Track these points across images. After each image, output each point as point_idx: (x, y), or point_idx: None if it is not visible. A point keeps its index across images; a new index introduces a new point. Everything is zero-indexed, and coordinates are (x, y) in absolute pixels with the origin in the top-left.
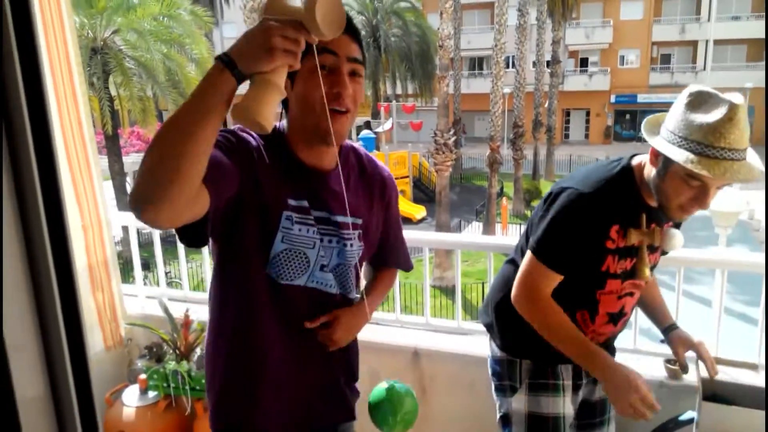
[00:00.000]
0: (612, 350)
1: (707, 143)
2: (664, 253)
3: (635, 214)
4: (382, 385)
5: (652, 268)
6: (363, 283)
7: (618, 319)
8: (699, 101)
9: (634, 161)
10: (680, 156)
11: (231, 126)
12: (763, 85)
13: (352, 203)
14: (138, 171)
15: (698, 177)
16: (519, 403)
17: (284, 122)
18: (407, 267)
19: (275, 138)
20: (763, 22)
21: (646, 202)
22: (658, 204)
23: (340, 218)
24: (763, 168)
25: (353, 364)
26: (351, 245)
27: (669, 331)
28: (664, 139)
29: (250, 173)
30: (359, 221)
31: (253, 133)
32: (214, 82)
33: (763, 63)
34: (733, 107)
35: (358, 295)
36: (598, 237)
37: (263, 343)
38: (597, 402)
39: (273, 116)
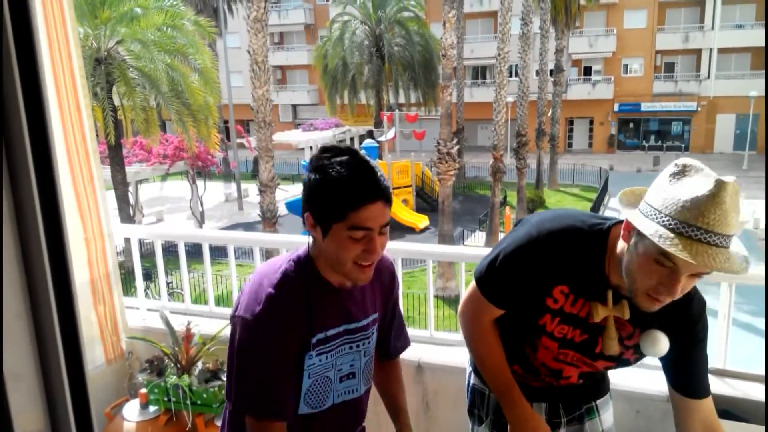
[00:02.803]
0: (590, 383)
1: (682, 220)
2: (641, 357)
3: (592, 285)
4: None
5: (615, 359)
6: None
7: (558, 377)
8: (684, 174)
9: (615, 229)
10: (650, 228)
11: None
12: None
13: (371, 303)
14: None
15: (670, 258)
16: None
17: (311, 245)
18: (408, 345)
19: (305, 266)
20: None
21: (607, 277)
22: (627, 290)
23: (363, 322)
24: (746, 263)
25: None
26: (372, 340)
27: None
28: (640, 211)
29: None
30: (376, 316)
31: (283, 304)
32: None
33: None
34: (720, 184)
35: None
36: (538, 290)
37: None
38: None
39: None
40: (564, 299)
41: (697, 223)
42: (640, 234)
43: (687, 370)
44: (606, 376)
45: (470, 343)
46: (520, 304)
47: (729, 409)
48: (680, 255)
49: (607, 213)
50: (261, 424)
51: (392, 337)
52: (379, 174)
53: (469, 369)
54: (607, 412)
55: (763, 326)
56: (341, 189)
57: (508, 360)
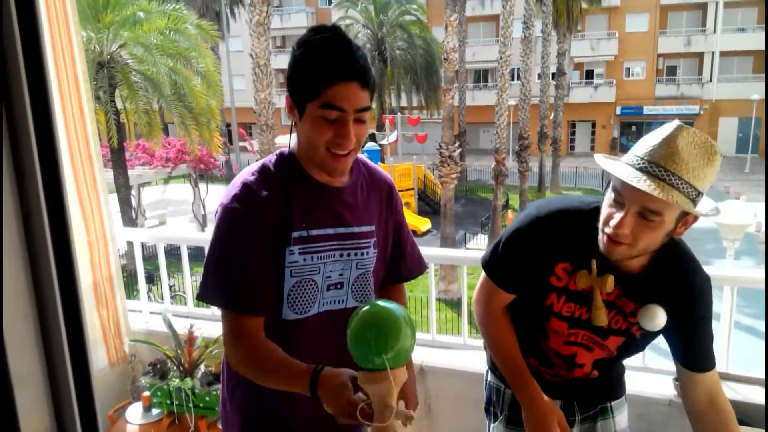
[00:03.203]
0: (604, 381)
1: (635, 153)
2: (648, 334)
3: (591, 258)
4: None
5: (630, 348)
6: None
7: (571, 366)
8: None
9: None
10: (611, 162)
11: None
12: None
13: (365, 212)
14: (236, 357)
15: (619, 190)
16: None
17: (294, 143)
18: (425, 268)
19: (287, 160)
20: None
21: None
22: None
23: (356, 229)
24: (704, 207)
25: None
26: (367, 253)
27: None
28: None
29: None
30: (372, 228)
31: (261, 190)
32: (295, 388)
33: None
34: (677, 127)
35: None
36: (541, 269)
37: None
38: None
39: None
40: (567, 277)
41: (641, 154)
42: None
43: (690, 345)
44: (622, 377)
45: (483, 329)
46: (526, 284)
47: None
48: (612, 171)
49: None
50: (230, 316)
51: (407, 258)
52: (358, 54)
53: (486, 367)
54: (622, 415)
55: (764, 329)
56: (316, 63)
57: (522, 353)
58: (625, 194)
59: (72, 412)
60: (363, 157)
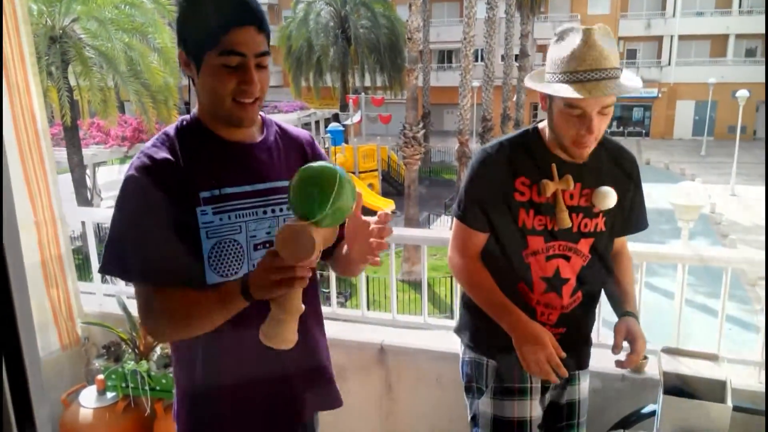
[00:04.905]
0: (579, 338)
1: (569, 70)
2: (609, 224)
3: (544, 167)
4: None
5: (593, 235)
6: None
7: (559, 285)
8: (563, 38)
9: (541, 124)
10: (550, 88)
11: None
12: (725, 80)
13: (286, 167)
14: (154, 321)
15: (575, 104)
16: (485, 406)
17: (196, 108)
18: None
19: (191, 123)
20: (725, 19)
21: (556, 155)
22: (558, 145)
23: (278, 183)
24: (637, 82)
25: (319, 359)
26: None
27: (621, 317)
28: (546, 81)
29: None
30: None
31: (160, 155)
32: (229, 304)
33: (726, 58)
34: (586, 32)
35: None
36: (504, 189)
37: (227, 351)
38: (565, 405)
39: (293, 333)
40: (528, 190)
41: (582, 68)
42: (550, 97)
43: (630, 213)
44: (589, 347)
45: (460, 275)
46: (495, 214)
47: (682, 387)
48: (576, 95)
49: None
50: (139, 288)
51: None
52: None
53: (462, 347)
54: (585, 383)
55: (716, 307)
56: (210, 11)
57: None
58: (584, 105)
59: (5, 402)
60: (277, 119)
